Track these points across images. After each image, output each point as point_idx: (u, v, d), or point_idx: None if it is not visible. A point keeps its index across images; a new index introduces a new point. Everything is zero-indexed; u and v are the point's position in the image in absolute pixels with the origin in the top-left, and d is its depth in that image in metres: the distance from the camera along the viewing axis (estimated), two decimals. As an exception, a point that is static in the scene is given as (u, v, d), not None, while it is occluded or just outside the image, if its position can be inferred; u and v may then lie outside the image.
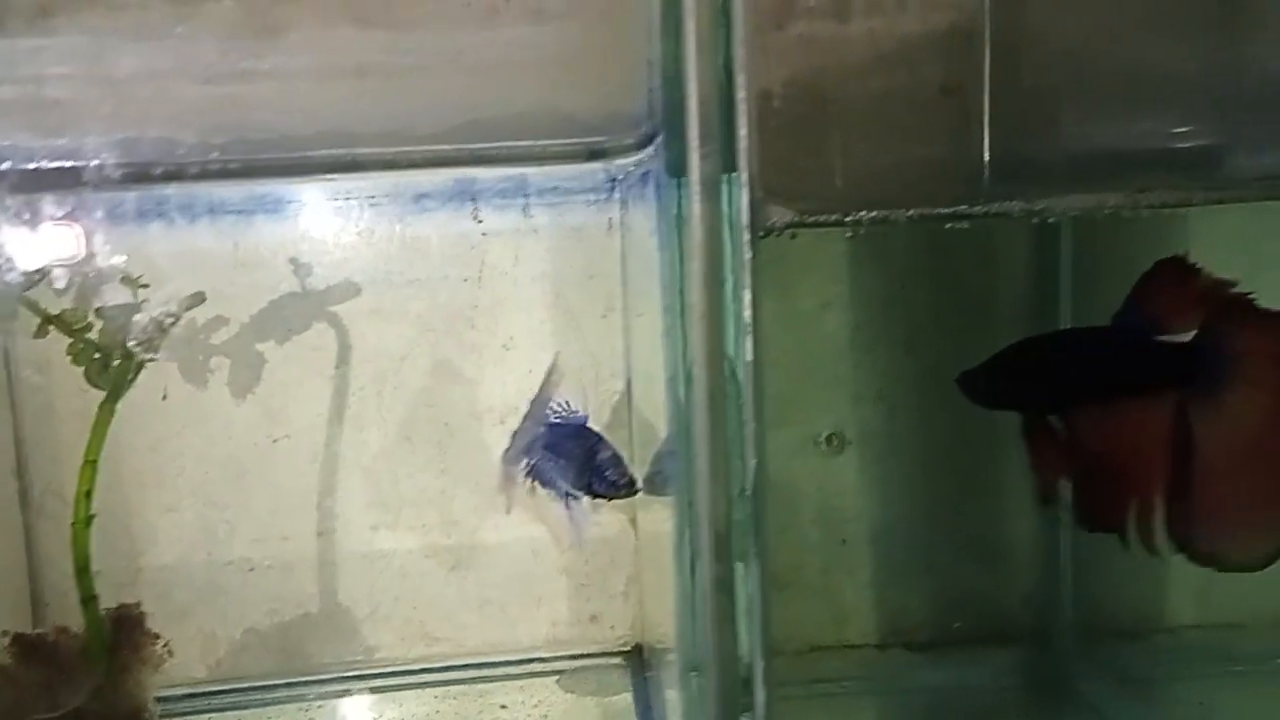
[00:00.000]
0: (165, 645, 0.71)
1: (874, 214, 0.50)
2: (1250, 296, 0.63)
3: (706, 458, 0.44)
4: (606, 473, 0.71)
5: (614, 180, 0.82)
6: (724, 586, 0.47)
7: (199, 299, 0.70)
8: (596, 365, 0.89)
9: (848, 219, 0.48)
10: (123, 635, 0.68)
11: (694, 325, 0.43)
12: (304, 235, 0.85)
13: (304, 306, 0.86)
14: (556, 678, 0.88)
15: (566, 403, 0.77)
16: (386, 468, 0.90)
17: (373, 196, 0.84)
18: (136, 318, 0.60)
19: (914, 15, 0.91)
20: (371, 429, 0.89)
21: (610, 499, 0.71)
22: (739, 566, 0.48)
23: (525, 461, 0.77)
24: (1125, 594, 0.90)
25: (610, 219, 0.87)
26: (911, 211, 0.52)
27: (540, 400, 0.78)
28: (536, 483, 0.77)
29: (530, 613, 0.93)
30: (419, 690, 0.88)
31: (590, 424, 0.76)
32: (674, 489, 0.53)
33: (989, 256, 0.90)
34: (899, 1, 0.91)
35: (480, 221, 0.85)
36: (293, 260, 0.85)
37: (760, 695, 0.47)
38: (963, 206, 0.52)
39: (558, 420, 0.77)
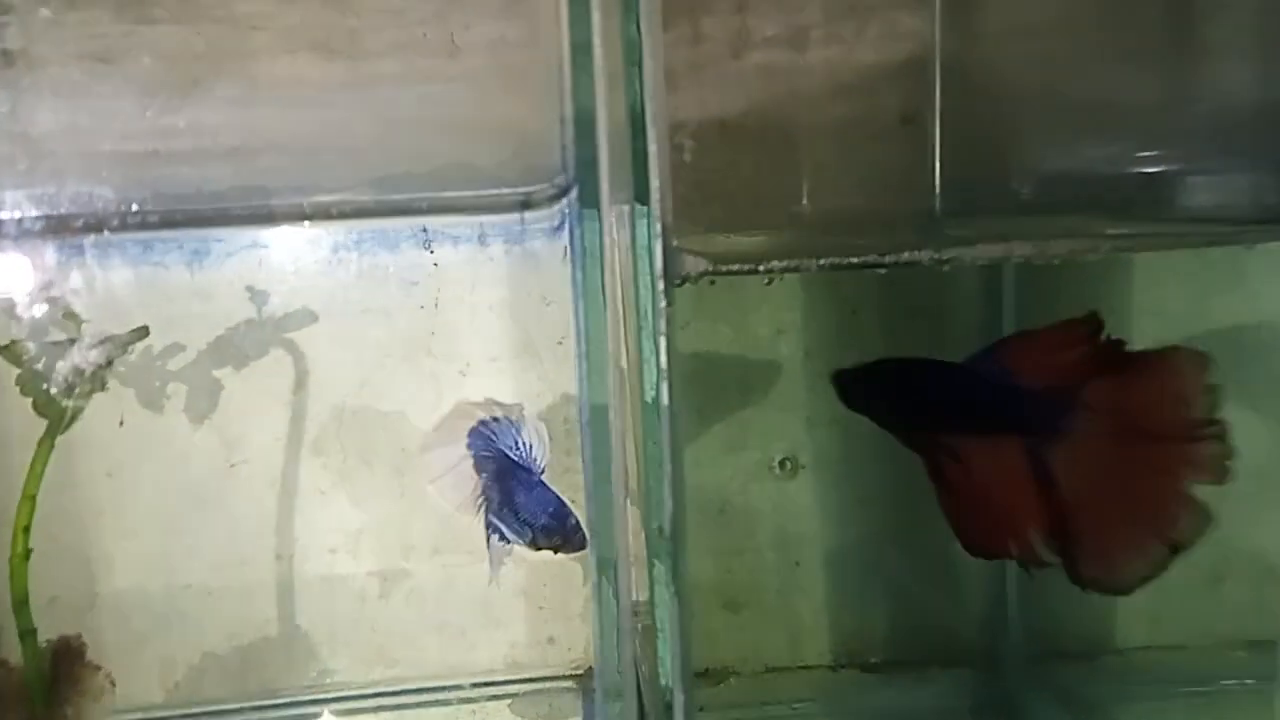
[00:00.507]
0: (108, 676, 0.72)
1: (785, 263, 0.52)
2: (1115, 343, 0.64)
3: (622, 497, 0.45)
4: (568, 522, 0.72)
5: (565, 213, 0.83)
6: (644, 620, 0.48)
7: (142, 333, 0.71)
8: (552, 392, 0.90)
9: (761, 268, 0.50)
10: (62, 668, 0.69)
11: (609, 370, 0.44)
12: (260, 263, 0.86)
13: (261, 334, 0.87)
14: (510, 701, 0.89)
15: (529, 446, 0.77)
16: (345, 492, 0.91)
17: (328, 226, 0.85)
18: (59, 364, 0.61)
19: (870, 45, 0.93)
20: (330, 454, 0.90)
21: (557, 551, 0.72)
22: (659, 600, 0.49)
23: (481, 478, 0.78)
24: (1073, 616, 0.91)
25: (565, 247, 0.87)
26: (822, 260, 0.53)
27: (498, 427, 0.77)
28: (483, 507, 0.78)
29: (489, 635, 0.94)
30: (375, 714, 0.89)
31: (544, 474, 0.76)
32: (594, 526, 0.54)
33: (938, 285, 0.91)
34: (856, 31, 0.93)
35: (432, 252, 0.86)
36: (249, 288, 0.86)
37: (680, 727, 0.48)
38: (872, 256, 0.54)
39: (518, 462, 0.77)
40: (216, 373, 0.86)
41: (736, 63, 0.92)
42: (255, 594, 0.91)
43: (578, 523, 0.72)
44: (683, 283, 0.44)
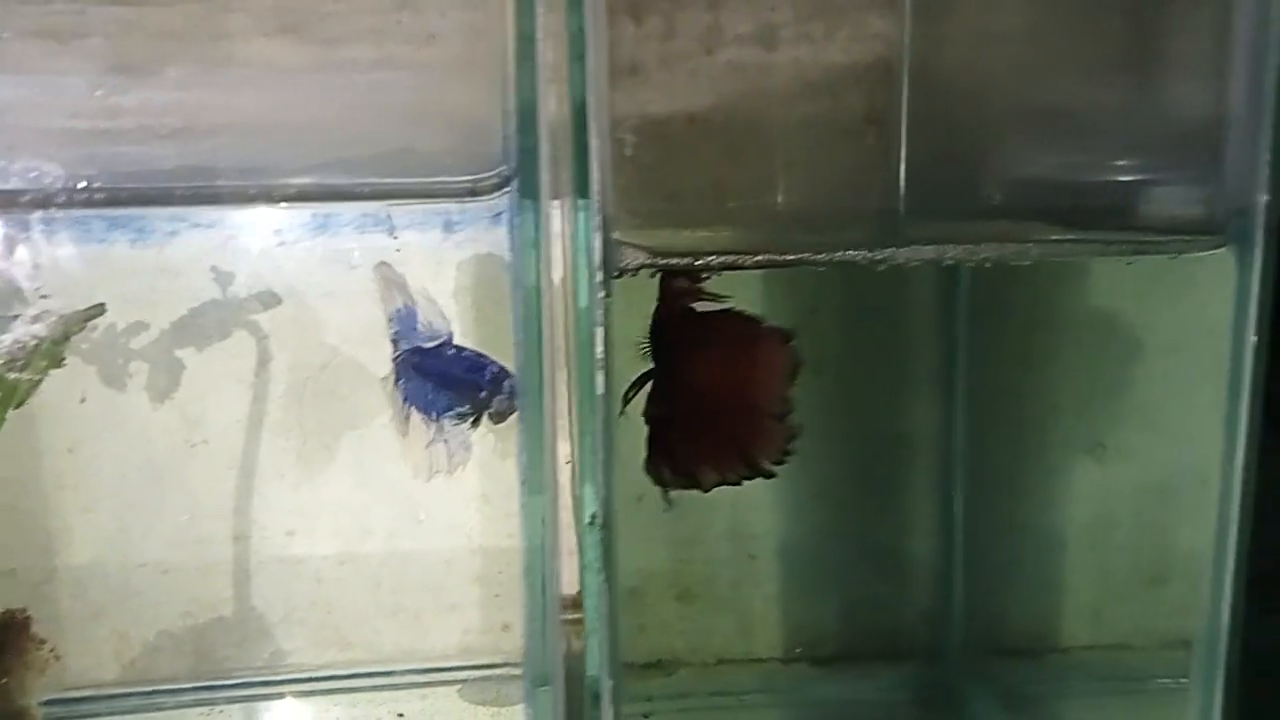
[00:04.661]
0: (52, 650, 0.72)
1: (722, 259, 0.53)
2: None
3: (554, 485, 0.46)
4: (486, 372, 0.71)
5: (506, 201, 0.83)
6: (573, 607, 0.49)
7: (99, 310, 0.71)
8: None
9: (697, 263, 0.51)
10: (6, 641, 0.69)
11: (547, 360, 0.45)
12: (226, 244, 0.86)
13: (224, 314, 0.87)
14: (458, 687, 0.90)
15: (429, 323, 0.76)
16: (304, 475, 0.91)
17: (293, 208, 0.85)
18: (1, 338, 0.62)
19: (839, 46, 0.94)
20: (289, 437, 0.91)
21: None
22: (589, 589, 0.50)
23: (399, 382, 0.77)
24: (1017, 613, 0.93)
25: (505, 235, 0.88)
26: (761, 257, 0.54)
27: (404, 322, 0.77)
28: (411, 408, 0.77)
29: (443, 620, 0.95)
30: (325, 695, 0.90)
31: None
32: (527, 513, 0.55)
33: (898, 285, 0.93)
34: (826, 32, 0.94)
35: (395, 237, 0.86)
36: (214, 268, 0.86)
37: (608, 713, 0.50)
38: (807, 254, 0.55)
39: (430, 344, 0.76)
40: (179, 352, 0.86)
41: (708, 58, 0.93)
42: (212, 574, 0.91)
43: (501, 370, 0.72)
44: (620, 275, 0.45)
